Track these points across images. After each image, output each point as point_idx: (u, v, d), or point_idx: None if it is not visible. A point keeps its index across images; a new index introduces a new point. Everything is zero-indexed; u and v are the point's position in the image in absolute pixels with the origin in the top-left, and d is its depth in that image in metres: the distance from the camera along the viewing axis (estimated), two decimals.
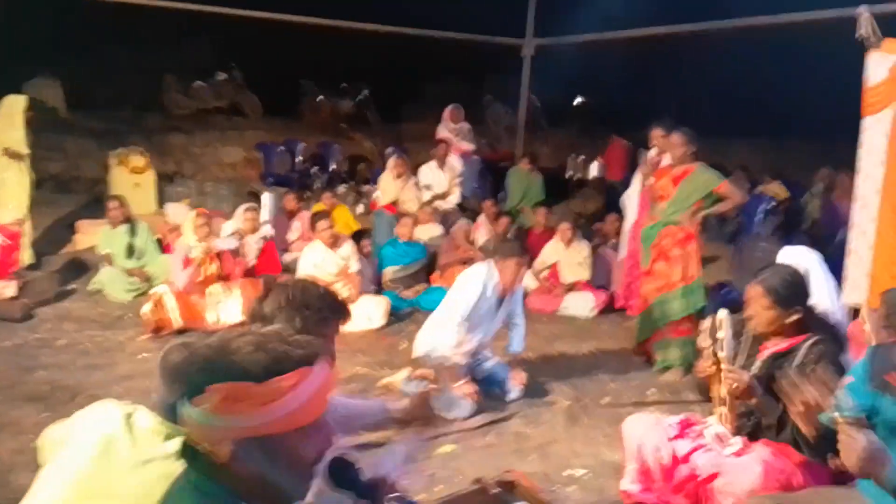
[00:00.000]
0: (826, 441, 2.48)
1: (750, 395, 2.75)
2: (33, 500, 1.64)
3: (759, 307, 2.83)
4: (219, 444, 1.17)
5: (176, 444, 1.47)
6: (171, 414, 1.59)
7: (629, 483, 3.13)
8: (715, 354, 2.82)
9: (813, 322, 2.87)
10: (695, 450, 2.98)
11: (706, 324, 2.85)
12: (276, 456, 1.21)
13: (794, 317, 2.84)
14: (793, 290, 2.83)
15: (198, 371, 1.21)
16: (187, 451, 1.25)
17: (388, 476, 1.46)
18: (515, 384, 4.41)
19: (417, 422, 1.98)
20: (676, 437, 3.06)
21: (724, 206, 5.09)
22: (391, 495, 1.44)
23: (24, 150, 6.52)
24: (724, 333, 2.77)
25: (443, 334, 4.23)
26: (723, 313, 2.79)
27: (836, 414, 2.05)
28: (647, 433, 3.08)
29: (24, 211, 6.50)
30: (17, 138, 6.46)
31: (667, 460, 3.01)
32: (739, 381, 2.71)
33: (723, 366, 2.77)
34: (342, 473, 1.48)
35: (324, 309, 1.99)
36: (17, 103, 6.55)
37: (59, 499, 1.60)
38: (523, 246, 4.73)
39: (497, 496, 1.35)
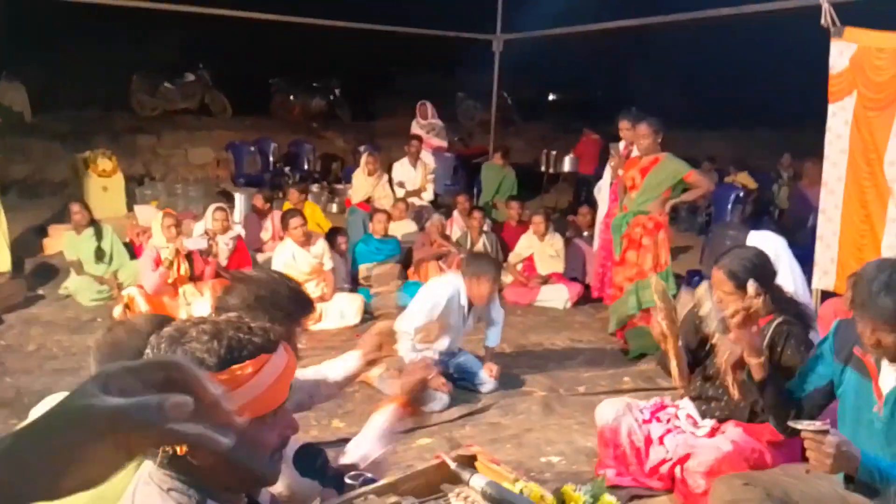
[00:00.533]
0: (783, 405, 2.51)
1: (742, 365, 2.74)
2: None
3: (723, 292, 2.85)
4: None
5: None
6: None
7: (603, 468, 3.15)
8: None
9: (780, 302, 2.90)
10: (667, 432, 3.02)
11: (701, 290, 2.83)
12: (235, 445, 1.18)
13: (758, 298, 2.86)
14: (754, 272, 2.86)
15: (154, 361, 1.18)
16: None
17: (361, 462, 1.46)
18: (489, 376, 4.42)
19: (410, 402, 1.97)
20: (648, 420, 3.09)
21: (693, 194, 5.15)
22: (352, 473, 1.43)
23: None
24: (707, 308, 2.76)
25: (407, 338, 4.20)
26: (702, 289, 2.79)
27: (799, 426, 2.08)
28: (620, 418, 3.10)
29: None
30: None
31: (640, 443, 3.04)
32: (732, 351, 2.69)
33: (715, 339, 2.76)
34: (309, 461, 1.47)
35: (292, 307, 1.96)
36: None
37: None
38: (498, 264, 4.71)
39: (454, 470, 1.34)
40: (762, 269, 2.89)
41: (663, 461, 2.99)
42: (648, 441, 3.05)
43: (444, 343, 4.34)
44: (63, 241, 6.43)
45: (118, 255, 6.41)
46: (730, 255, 2.92)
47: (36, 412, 1.74)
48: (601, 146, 10.23)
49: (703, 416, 3.05)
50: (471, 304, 4.36)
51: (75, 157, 8.89)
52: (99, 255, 6.32)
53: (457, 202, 7.93)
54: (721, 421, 2.99)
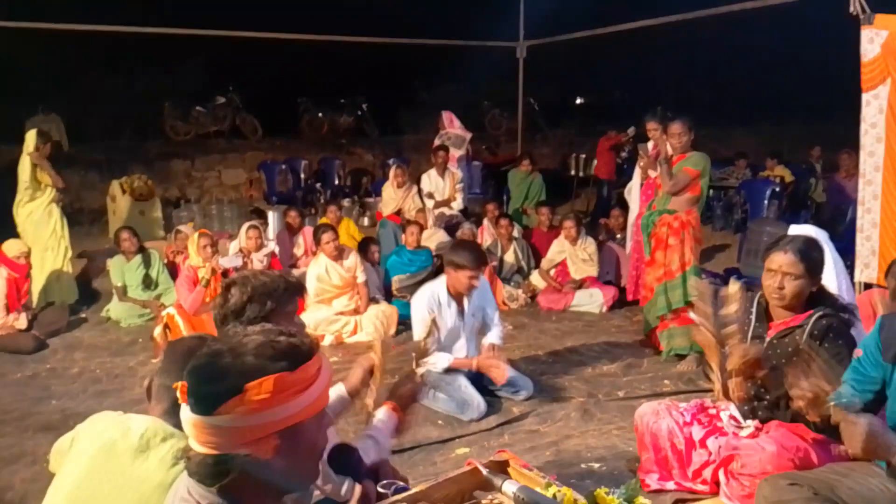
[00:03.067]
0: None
1: (758, 368, 2.66)
2: None
3: (791, 276, 2.72)
4: (263, 441, 1.17)
5: (172, 446, 1.47)
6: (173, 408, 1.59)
7: (646, 472, 3.10)
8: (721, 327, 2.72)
9: (819, 296, 2.82)
10: (709, 434, 2.96)
11: (734, 289, 2.76)
12: (301, 443, 1.22)
13: (814, 288, 2.77)
14: (820, 255, 2.78)
15: (219, 377, 1.18)
16: (192, 466, 1.23)
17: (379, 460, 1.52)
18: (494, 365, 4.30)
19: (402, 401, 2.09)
20: (689, 422, 3.03)
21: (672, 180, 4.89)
22: (384, 482, 1.44)
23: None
24: (736, 306, 2.67)
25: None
26: (735, 286, 2.71)
27: (833, 402, 2.02)
28: (660, 421, 3.05)
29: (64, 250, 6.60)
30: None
31: (682, 446, 2.99)
32: (748, 353, 2.62)
33: (734, 340, 2.69)
34: (343, 460, 1.49)
35: (286, 289, 2.13)
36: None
37: None
38: (479, 250, 4.53)
39: (487, 477, 1.34)
40: (822, 254, 2.81)
41: (706, 464, 2.93)
42: (690, 444, 2.99)
43: (458, 352, 4.32)
44: (111, 266, 6.51)
45: (164, 282, 6.52)
46: (791, 239, 2.80)
47: (83, 430, 1.78)
48: (613, 144, 10.13)
49: (746, 416, 2.98)
50: (459, 299, 4.33)
51: (112, 182, 9.10)
52: (146, 282, 6.45)
53: (486, 210, 7.93)
54: (764, 421, 2.92)
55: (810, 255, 2.74)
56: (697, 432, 2.99)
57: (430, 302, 4.27)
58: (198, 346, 1.64)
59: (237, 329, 1.25)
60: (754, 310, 2.89)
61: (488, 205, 8.08)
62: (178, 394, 1.21)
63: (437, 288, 4.32)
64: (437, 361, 4.16)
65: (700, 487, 3.00)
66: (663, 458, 3.05)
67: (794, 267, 2.72)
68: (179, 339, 1.84)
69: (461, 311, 4.36)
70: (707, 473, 2.95)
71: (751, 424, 2.93)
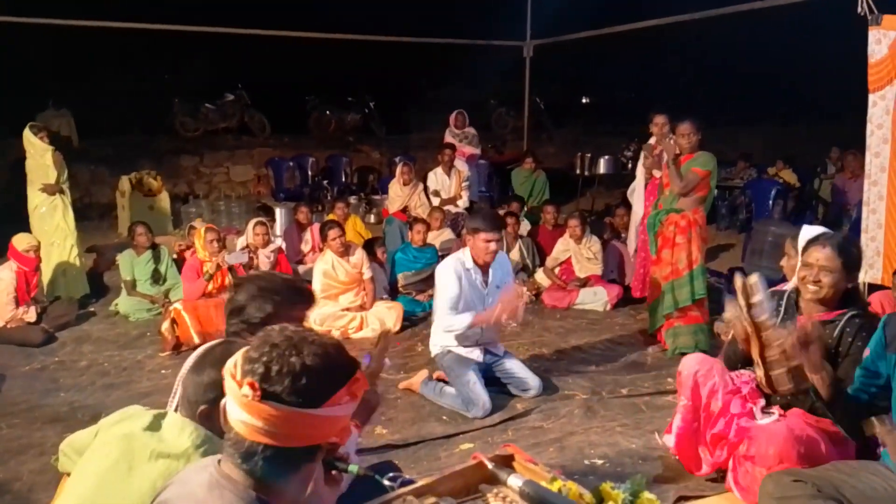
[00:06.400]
0: (853, 414, 2.44)
1: (796, 356, 2.60)
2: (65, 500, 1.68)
3: (828, 270, 2.73)
4: (345, 430, 1.24)
5: (190, 434, 1.50)
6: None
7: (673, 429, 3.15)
8: (752, 321, 2.66)
9: (852, 295, 2.81)
10: (742, 414, 2.93)
11: (745, 281, 2.71)
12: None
13: (850, 285, 2.77)
14: (858, 252, 2.79)
15: (330, 371, 1.23)
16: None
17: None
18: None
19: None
20: (733, 391, 3.00)
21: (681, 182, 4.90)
22: (390, 475, 1.47)
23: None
24: (759, 297, 2.62)
25: (442, 332, 4.25)
26: (753, 278, 2.69)
27: (874, 428, 2.03)
28: (710, 373, 3.02)
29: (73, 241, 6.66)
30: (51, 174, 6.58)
31: (715, 408, 2.97)
32: (786, 341, 2.56)
33: (767, 329, 2.65)
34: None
35: (291, 293, 2.18)
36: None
37: (85, 499, 1.64)
38: (495, 216, 4.67)
39: (492, 471, 1.37)
40: (860, 252, 2.82)
41: (722, 436, 2.94)
42: (724, 410, 2.96)
43: (467, 318, 4.20)
44: (121, 261, 6.53)
45: (172, 277, 6.56)
46: (830, 235, 2.83)
47: (108, 424, 1.79)
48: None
49: (769, 403, 2.96)
50: (483, 270, 4.33)
51: (122, 178, 9.16)
52: (155, 277, 6.49)
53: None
54: (785, 408, 2.91)
55: (848, 251, 2.75)
56: (735, 406, 2.97)
57: (457, 266, 4.27)
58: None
59: (299, 329, 1.28)
60: (784, 303, 2.88)
61: (512, 205, 8.11)
62: (251, 392, 1.17)
63: (462, 255, 4.34)
64: (460, 321, 4.16)
65: (708, 459, 3.05)
66: (696, 407, 3.06)
67: (831, 261, 2.73)
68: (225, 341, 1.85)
69: (485, 282, 4.35)
70: (720, 454, 2.98)
71: (775, 412, 2.91)
